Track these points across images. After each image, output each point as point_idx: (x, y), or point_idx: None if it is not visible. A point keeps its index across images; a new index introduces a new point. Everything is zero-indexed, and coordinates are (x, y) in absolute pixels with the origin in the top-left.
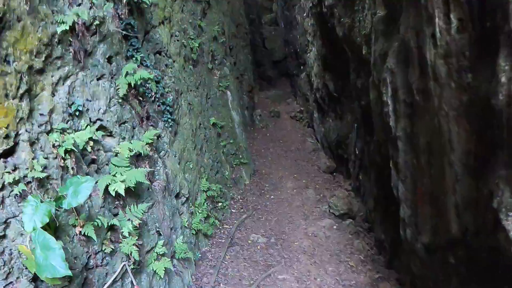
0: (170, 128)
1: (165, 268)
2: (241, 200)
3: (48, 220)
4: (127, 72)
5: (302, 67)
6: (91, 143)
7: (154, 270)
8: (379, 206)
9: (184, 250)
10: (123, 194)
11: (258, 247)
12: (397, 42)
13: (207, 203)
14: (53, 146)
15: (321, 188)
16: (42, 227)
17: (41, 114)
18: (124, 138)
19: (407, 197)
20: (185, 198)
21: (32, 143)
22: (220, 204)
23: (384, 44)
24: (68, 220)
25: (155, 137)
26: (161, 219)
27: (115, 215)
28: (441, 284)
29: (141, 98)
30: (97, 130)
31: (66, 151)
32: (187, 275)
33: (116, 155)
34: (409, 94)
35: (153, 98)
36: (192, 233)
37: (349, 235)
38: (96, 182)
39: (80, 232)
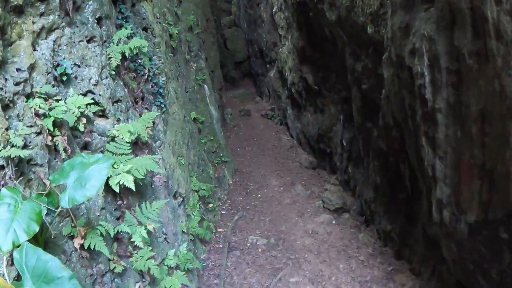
0: (163, 115)
1: (181, 285)
2: (228, 201)
3: (37, 229)
4: (119, 39)
5: (269, 65)
6: (84, 120)
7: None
8: (381, 196)
9: (189, 260)
10: (133, 189)
11: (259, 249)
12: (432, 9)
13: (199, 205)
14: (36, 115)
15: (308, 184)
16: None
17: (18, 69)
18: (118, 120)
19: (447, 175)
20: (181, 198)
21: (5, 107)
22: (211, 205)
23: (405, 16)
24: (60, 228)
25: (152, 123)
26: (166, 223)
27: (117, 219)
28: (487, 264)
29: (134, 75)
30: (88, 105)
31: (55, 124)
32: None
33: (112, 140)
34: (455, 60)
35: (146, 77)
36: (190, 239)
37: (351, 229)
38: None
39: (81, 245)
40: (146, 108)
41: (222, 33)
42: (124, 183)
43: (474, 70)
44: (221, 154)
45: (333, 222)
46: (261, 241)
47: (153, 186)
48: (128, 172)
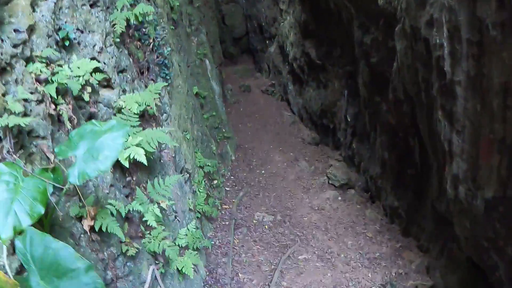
0: (168, 88)
1: (194, 265)
2: (232, 177)
3: (42, 211)
4: (123, 5)
5: (268, 41)
6: (89, 89)
7: (180, 269)
8: (388, 171)
9: (198, 238)
10: (145, 163)
11: (266, 226)
12: None
13: (205, 181)
14: (37, 80)
15: (312, 160)
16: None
17: (16, 30)
18: (124, 91)
19: (464, 150)
20: (188, 175)
21: (1, 70)
22: (215, 181)
23: None
24: (67, 208)
25: (158, 95)
26: (176, 200)
27: (126, 196)
28: (502, 241)
29: (139, 43)
30: (93, 72)
31: (58, 91)
32: (201, 268)
33: (119, 111)
34: (477, 31)
35: (151, 46)
36: (197, 217)
37: (357, 205)
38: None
39: (91, 228)
40: (152, 80)
41: (220, 9)
42: (135, 157)
43: (497, 41)
44: (223, 130)
45: (339, 198)
46: (267, 217)
47: (161, 161)
48: (138, 145)
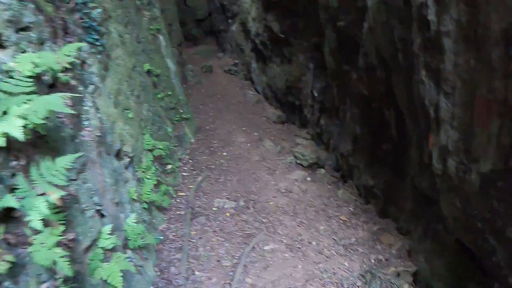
0: (99, 56)
1: (123, 271)
2: (190, 161)
3: None
4: None
5: (230, 20)
6: None
7: (105, 279)
8: (361, 147)
9: (140, 234)
10: (21, 139)
11: (227, 214)
12: None
13: (155, 166)
14: None
15: (278, 139)
16: None
17: None
18: (24, 52)
19: (455, 115)
20: (128, 159)
21: None
22: (169, 166)
23: None
24: None
25: (80, 61)
26: (101, 190)
27: (12, 189)
28: (501, 221)
29: None
30: None
31: None
32: (149, 268)
33: (10, 77)
34: None
35: (72, 4)
36: (144, 208)
37: (328, 186)
38: None
39: None
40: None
41: None
42: (9, 132)
43: None
44: (181, 111)
45: (308, 178)
46: (228, 204)
47: (77, 140)
48: (21, 116)
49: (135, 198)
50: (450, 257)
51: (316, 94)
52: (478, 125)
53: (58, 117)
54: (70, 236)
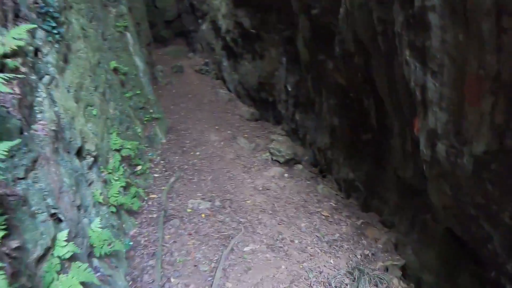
0: (57, 46)
1: (84, 283)
2: (162, 162)
3: None
4: None
5: (200, 20)
6: None
7: None
8: (340, 140)
9: (107, 240)
10: None
11: (203, 215)
12: None
13: (123, 167)
14: None
15: (252, 137)
16: None
17: None
18: None
19: (443, 95)
20: (92, 158)
21: None
22: (139, 167)
23: None
24: None
25: (32, 48)
26: (57, 192)
27: None
28: (496, 206)
29: None
30: None
31: None
32: (119, 277)
33: None
34: None
35: None
36: (112, 211)
37: (307, 181)
38: None
39: None
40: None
41: None
42: None
43: None
44: (151, 111)
45: (285, 175)
46: (203, 204)
47: (26, 133)
48: None
49: (101, 201)
50: (439, 248)
51: (290, 89)
52: (469, 104)
53: (3, 106)
54: (14, 244)
